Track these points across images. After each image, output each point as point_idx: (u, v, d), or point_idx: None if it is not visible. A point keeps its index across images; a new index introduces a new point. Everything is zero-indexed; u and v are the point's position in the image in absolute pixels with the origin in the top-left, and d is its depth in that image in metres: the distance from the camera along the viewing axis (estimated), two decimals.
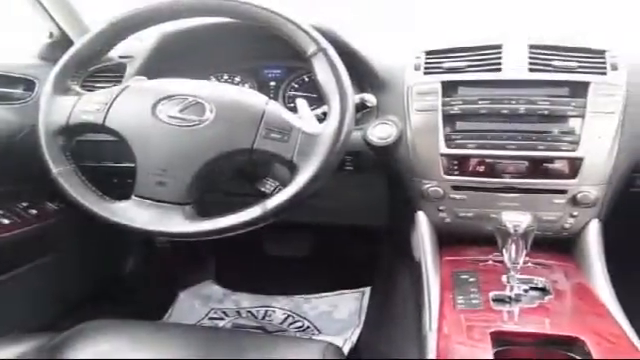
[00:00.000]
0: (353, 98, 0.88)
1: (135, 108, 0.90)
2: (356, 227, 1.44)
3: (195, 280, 1.81)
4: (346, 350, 1.48)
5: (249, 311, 1.70)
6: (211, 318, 1.69)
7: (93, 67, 1.16)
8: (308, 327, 1.63)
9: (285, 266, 1.75)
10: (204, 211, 0.87)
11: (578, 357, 0.75)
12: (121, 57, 1.23)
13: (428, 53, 1.11)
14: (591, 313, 0.86)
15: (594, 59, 1.04)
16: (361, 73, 1.11)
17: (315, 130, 0.86)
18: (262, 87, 1.26)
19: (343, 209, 1.30)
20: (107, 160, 1.22)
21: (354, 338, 1.53)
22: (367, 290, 1.67)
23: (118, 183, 1.17)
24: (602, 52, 1.05)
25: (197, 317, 1.69)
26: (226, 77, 1.29)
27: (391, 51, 1.16)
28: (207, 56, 1.24)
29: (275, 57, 1.22)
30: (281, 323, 1.65)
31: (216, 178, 0.96)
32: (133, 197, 0.87)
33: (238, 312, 1.70)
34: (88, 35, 0.96)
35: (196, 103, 0.88)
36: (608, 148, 0.99)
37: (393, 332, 1.25)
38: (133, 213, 0.87)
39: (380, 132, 1.06)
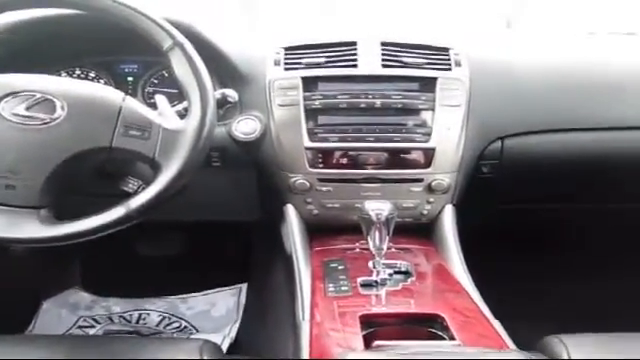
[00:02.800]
0: (213, 93, 0.87)
1: None
2: (230, 223, 1.42)
3: (60, 287, 1.68)
4: (225, 346, 1.46)
5: (121, 316, 1.62)
6: (80, 327, 1.58)
7: None
8: (185, 327, 1.59)
9: (158, 267, 1.69)
10: (64, 214, 0.82)
11: (439, 332, 0.81)
12: None
13: (287, 49, 1.13)
14: (449, 291, 0.93)
15: (439, 56, 1.12)
16: (221, 68, 1.10)
17: (176, 126, 0.85)
18: (119, 83, 1.20)
19: (215, 205, 1.29)
20: None
21: (233, 334, 1.52)
22: (244, 286, 1.66)
23: None
24: (446, 49, 1.13)
25: (65, 327, 1.58)
26: (78, 72, 1.21)
27: (251, 45, 1.17)
28: (56, 49, 1.15)
29: (132, 51, 1.16)
30: (157, 325, 1.60)
31: (74, 179, 0.91)
32: None
33: (110, 318, 1.61)
34: None
35: (45, 100, 0.83)
36: (456, 138, 1.08)
37: (270, 324, 1.26)
38: None
39: (244, 127, 1.07)
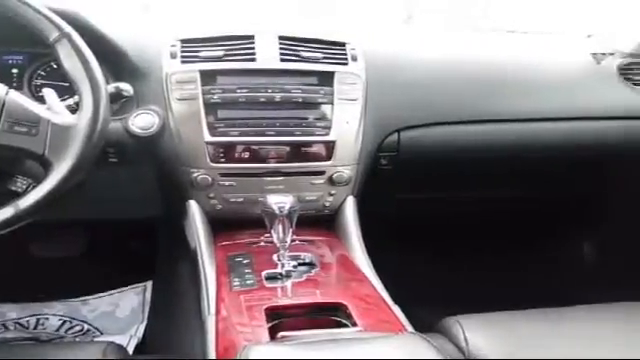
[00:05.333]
0: (106, 87, 0.85)
1: None
2: (132, 220, 1.38)
3: None
4: (132, 347, 1.43)
5: (17, 322, 1.53)
6: None
7: None
8: (88, 330, 1.54)
9: (57, 268, 1.61)
10: None
11: (342, 320, 0.83)
12: None
13: (183, 41, 1.10)
14: (351, 280, 0.96)
15: (336, 50, 1.14)
16: (113, 60, 1.06)
17: (67, 121, 0.81)
18: (2, 75, 1.11)
19: (114, 203, 1.24)
20: None
21: (140, 334, 1.49)
22: (149, 284, 1.62)
23: None
24: (343, 44, 1.15)
25: None
26: None
27: (145, 36, 1.14)
28: None
29: (17, 41, 1.09)
30: (57, 330, 1.53)
31: None
32: None
33: (4, 325, 1.52)
34: None
35: None
36: (355, 132, 1.10)
37: (177, 322, 1.24)
38: None
39: (142, 122, 1.04)
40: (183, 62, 1.07)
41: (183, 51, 1.09)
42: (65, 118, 0.82)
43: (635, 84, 1.33)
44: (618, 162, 1.40)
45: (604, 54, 1.37)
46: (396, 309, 0.88)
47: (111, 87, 0.98)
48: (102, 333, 1.53)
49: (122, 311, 1.59)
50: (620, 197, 1.59)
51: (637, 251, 1.58)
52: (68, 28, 0.83)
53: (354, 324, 0.81)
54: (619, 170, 1.45)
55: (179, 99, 1.05)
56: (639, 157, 1.38)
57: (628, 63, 1.36)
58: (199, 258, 1.02)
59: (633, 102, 1.31)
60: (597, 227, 1.72)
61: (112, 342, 0.89)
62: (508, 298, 1.04)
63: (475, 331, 0.87)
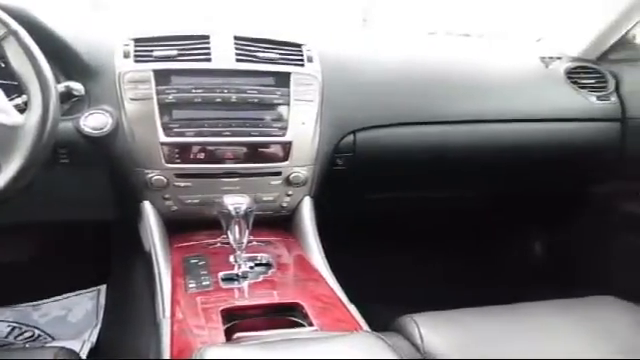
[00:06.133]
0: (56, 86, 0.83)
1: None
2: (85, 222, 1.35)
3: None
4: (85, 352, 1.39)
5: None
6: None
7: None
8: (39, 336, 1.49)
9: (6, 273, 1.56)
10: None
11: (299, 320, 0.84)
12: None
13: (136, 40, 1.08)
14: (308, 280, 0.96)
15: (292, 52, 1.14)
16: (64, 58, 1.04)
17: (15, 122, 0.79)
18: None
19: (67, 204, 1.21)
20: None
21: (93, 338, 1.46)
22: (103, 287, 1.59)
23: None
24: (299, 46, 1.16)
25: None
26: None
27: (97, 34, 1.12)
28: None
29: None
30: (6, 337, 1.48)
31: None
32: None
33: None
34: None
35: None
36: (311, 132, 1.11)
37: (132, 325, 1.22)
38: None
39: (93, 122, 1.02)
40: (136, 61, 1.06)
41: (136, 50, 1.07)
42: (13, 118, 0.80)
43: (581, 87, 1.39)
44: (566, 163, 1.45)
45: (552, 58, 1.42)
46: (352, 308, 0.88)
47: (61, 86, 0.96)
48: (54, 339, 1.49)
49: (75, 315, 1.55)
50: (569, 197, 1.65)
51: (586, 250, 1.64)
52: (15, 25, 0.80)
53: (310, 324, 0.81)
54: (568, 170, 1.50)
55: (133, 99, 1.03)
56: (585, 158, 1.44)
57: (575, 67, 1.42)
58: (154, 260, 1.00)
59: (578, 104, 1.37)
60: (549, 227, 1.77)
61: (64, 347, 0.87)
62: (463, 296, 1.06)
63: (430, 329, 0.88)
